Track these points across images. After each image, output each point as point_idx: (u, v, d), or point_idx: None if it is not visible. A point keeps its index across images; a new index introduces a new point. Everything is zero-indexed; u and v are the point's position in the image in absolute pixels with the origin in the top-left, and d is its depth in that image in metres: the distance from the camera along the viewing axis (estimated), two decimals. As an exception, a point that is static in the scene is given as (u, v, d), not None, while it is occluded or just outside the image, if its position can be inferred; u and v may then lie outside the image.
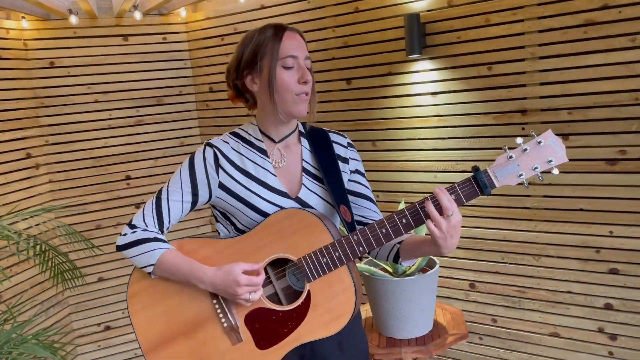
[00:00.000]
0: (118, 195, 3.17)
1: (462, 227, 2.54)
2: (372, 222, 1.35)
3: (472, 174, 1.24)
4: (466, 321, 2.57)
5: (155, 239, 1.38)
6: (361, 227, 1.31)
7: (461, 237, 2.54)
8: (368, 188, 1.53)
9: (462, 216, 2.55)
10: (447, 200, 1.21)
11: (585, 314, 2.28)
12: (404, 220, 1.27)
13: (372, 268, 2.28)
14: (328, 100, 2.81)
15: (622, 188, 2.12)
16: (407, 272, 2.30)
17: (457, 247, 2.56)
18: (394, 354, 2.18)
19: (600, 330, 2.26)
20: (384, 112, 2.66)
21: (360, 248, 1.29)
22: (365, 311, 2.52)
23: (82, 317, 3.18)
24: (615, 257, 2.18)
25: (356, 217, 1.51)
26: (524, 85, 2.27)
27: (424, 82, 2.51)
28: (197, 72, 3.28)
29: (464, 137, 2.45)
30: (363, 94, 2.71)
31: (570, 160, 2.29)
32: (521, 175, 1.24)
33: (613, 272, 2.19)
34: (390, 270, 2.32)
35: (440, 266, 2.35)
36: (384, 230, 1.28)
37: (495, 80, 2.33)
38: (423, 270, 2.34)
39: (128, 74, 3.15)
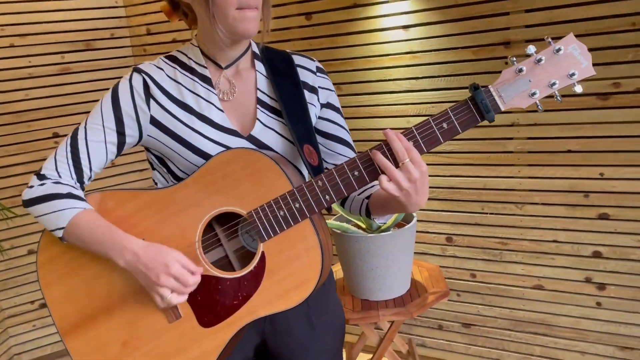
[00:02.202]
0: (45, 155, 2.74)
1: (438, 176, 2.31)
2: None
3: (470, 94, 0.98)
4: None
5: (69, 195, 1.07)
6: (328, 171, 1.04)
7: (437, 188, 2.32)
8: (344, 128, 1.24)
9: (437, 164, 2.35)
10: (398, 144, 0.95)
11: (571, 263, 2.13)
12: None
13: (344, 224, 2.03)
14: (285, 40, 2.47)
15: (615, 125, 1.93)
16: (383, 228, 2.06)
17: (433, 199, 2.35)
18: (370, 317, 1.95)
19: (588, 280, 2.11)
20: (350, 50, 2.36)
21: (327, 197, 1.03)
22: (336, 272, 2.28)
23: (13, 295, 2.80)
24: (605, 201, 2.01)
25: (328, 166, 1.24)
26: (507, 14, 2.01)
27: (394, 14, 2.21)
28: (132, 12, 2.85)
29: (440, 76, 2.19)
30: (325, 31, 2.39)
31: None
32: (534, 94, 0.99)
33: (603, 217, 2.02)
34: (364, 225, 2.07)
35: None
36: (356, 173, 1.02)
37: (474, 9, 2.06)
38: (399, 225, 2.11)
39: (49, 14, 2.69)
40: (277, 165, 1.04)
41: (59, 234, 1.07)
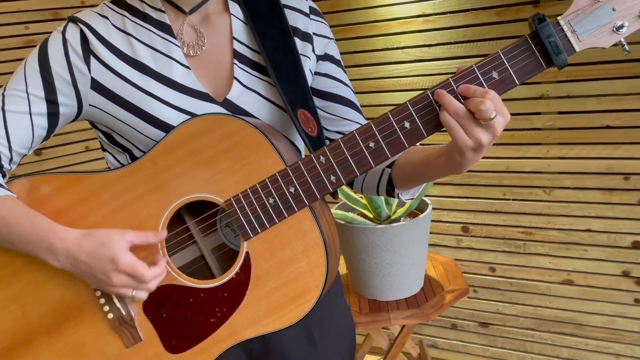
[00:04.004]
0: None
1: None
2: None
3: (531, 30, 0.73)
4: (458, 272, 2.13)
5: None
6: (332, 142, 0.79)
7: (452, 171, 2.06)
8: (348, 86, 0.98)
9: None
10: (473, 87, 0.71)
11: (607, 255, 1.87)
12: (405, 125, 0.76)
13: (349, 214, 1.76)
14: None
15: (663, 96, 1.67)
16: (393, 217, 1.79)
17: (447, 184, 2.08)
18: (380, 321, 1.70)
19: (626, 274, 1.86)
20: (352, 15, 2.07)
21: (332, 177, 0.79)
22: (339, 268, 2.01)
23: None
24: (649, 184, 1.76)
25: (331, 135, 0.98)
26: (536, -33, 1.74)
27: (403, -30, 1.94)
28: (106, -23, 2.56)
29: (457, 43, 1.91)
30: (324, -7, 2.11)
31: (592, 64, 1.84)
32: (620, 27, 0.74)
33: (646, 203, 1.77)
34: (371, 215, 1.81)
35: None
36: (371, 145, 0.77)
37: (497, -38, 1.79)
38: (412, 214, 1.84)
39: (10, -22, 2.39)
40: (265, 136, 0.79)
41: None
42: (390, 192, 0.92)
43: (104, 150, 0.93)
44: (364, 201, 1.81)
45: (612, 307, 1.91)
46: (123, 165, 0.89)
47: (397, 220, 1.78)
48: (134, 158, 0.87)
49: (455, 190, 2.08)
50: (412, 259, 1.74)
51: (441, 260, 2.02)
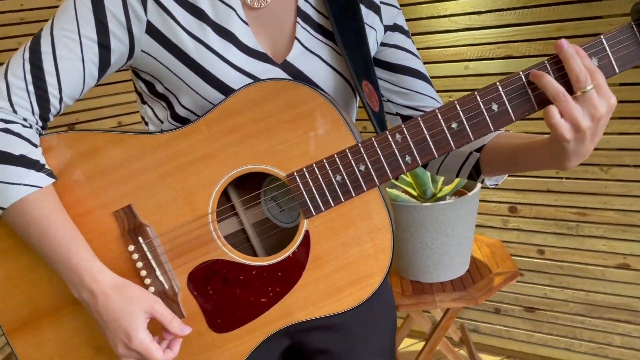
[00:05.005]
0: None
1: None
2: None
3: (635, 16, 0.66)
4: (504, 254, 2.03)
5: (21, 160, 0.71)
6: (410, 120, 0.72)
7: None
8: (418, 57, 0.91)
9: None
10: (579, 63, 0.64)
11: (669, 239, 1.75)
12: (493, 107, 0.70)
13: (393, 191, 1.67)
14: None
15: None
16: (439, 196, 1.70)
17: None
18: (424, 303, 1.62)
19: (690, 259, 1.74)
20: (395, -18, 1.96)
21: (408, 157, 0.74)
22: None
23: None
24: None
25: (402, 111, 0.91)
26: None
27: None
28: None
29: (509, 9, 1.78)
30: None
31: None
32: None
33: None
34: (416, 192, 1.72)
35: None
36: (454, 125, 0.72)
37: None
38: (458, 192, 1.74)
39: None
40: (336, 108, 0.73)
41: None
42: (474, 177, 0.85)
43: (144, 102, 0.85)
44: (408, 178, 1.72)
45: (673, 293, 1.80)
46: (162, 122, 0.82)
47: (443, 198, 1.69)
48: (177, 117, 0.80)
49: (502, 168, 1.97)
50: (459, 240, 1.65)
51: (487, 242, 1.92)
